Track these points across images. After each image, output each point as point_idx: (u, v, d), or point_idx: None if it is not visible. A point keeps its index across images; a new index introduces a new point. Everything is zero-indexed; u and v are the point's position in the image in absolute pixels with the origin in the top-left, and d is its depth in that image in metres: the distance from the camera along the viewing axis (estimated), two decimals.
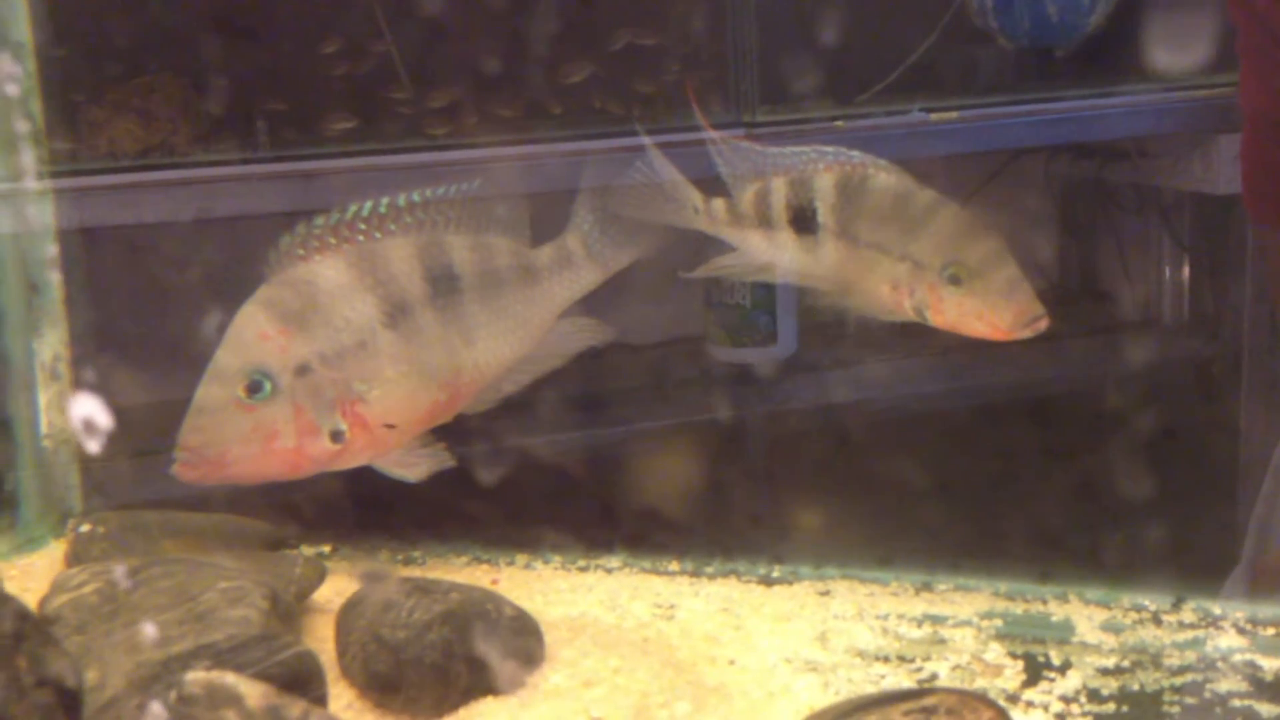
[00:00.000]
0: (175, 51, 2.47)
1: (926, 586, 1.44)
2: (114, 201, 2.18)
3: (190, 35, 2.44)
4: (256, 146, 2.38)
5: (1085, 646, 1.28)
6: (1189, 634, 1.31)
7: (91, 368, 1.62)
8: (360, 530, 1.59)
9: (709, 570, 1.50)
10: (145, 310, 2.52)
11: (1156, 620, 1.34)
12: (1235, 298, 2.71)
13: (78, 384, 1.66)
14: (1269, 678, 1.20)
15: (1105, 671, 1.22)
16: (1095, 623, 1.33)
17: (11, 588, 1.04)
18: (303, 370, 1.28)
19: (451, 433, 1.41)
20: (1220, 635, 1.30)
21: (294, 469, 1.31)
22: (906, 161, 1.40)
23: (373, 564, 1.48)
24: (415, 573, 1.47)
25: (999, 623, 1.34)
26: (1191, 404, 2.64)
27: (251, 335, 1.28)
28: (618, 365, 2.69)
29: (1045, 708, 1.15)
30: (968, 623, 1.34)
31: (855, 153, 1.42)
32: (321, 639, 1.20)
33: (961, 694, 1.00)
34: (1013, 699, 1.17)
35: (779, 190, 1.43)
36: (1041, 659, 1.25)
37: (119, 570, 1.16)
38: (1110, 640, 1.29)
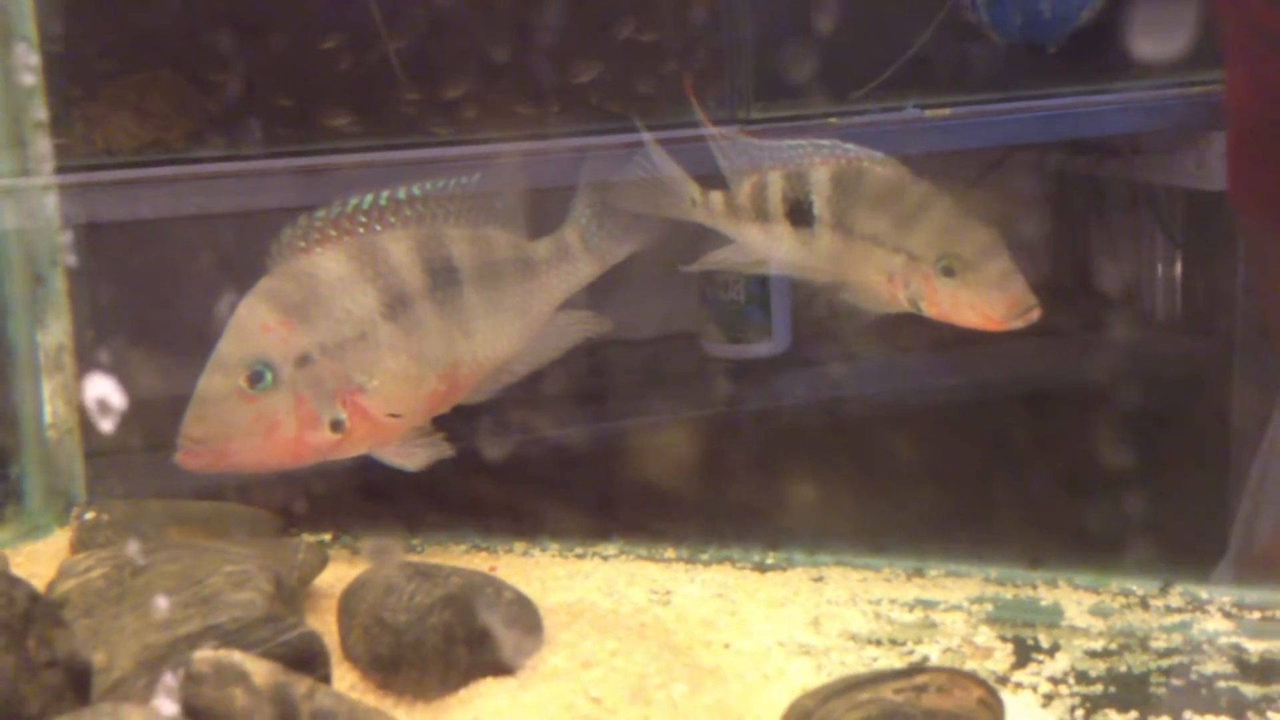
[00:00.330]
0: (174, 48, 2.48)
1: (918, 572, 1.46)
2: (113, 197, 2.19)
3: (189, 31, 2.45)
4: (254, 143, 2.39)
5: (1074, 630, 1.30)
6: (1176, 618, 1.33)
7: (95, 358, 1.64)
8: (360, 519, 1.60)
9: (704, 557, 1.52)
10: (146, 304, 2.53)
11: (1144, 605, 1.36)
12: (1228, 292, 2.73)
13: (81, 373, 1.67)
14: (1254, 660, 1.23)
15: (1093, 654, 1.25)
16: (1084, 607, 1.35)
17: (18, 574, 1.06)
18: (304, 361, 1.30)
19: (450, 423, 1.43)
20: (1206, 619, 1.32)
21: (295, 458, 1.33)
22: (901, 157, 1.42)
23: (378, 541, 1.49)
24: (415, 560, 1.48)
25: (989, 607, 1.36)
26: (1183, 397, 2.66)
27: (253, 326, 1.29)
28: (614, 360, 2.71)
29: (1034, 688, 1.17)
30: (958, 607, 1.36)
31: (851, 146, 1.44)
32: (324, 623, 1.22)
33: (952, 672, 1.02)
34: (1002, 680, 1.19)
35: (775, 183, 1.45)
36: (1031, 642, 1.27)
37: (125, 555, 1.18)
38: (1099, 624, 1.31)
